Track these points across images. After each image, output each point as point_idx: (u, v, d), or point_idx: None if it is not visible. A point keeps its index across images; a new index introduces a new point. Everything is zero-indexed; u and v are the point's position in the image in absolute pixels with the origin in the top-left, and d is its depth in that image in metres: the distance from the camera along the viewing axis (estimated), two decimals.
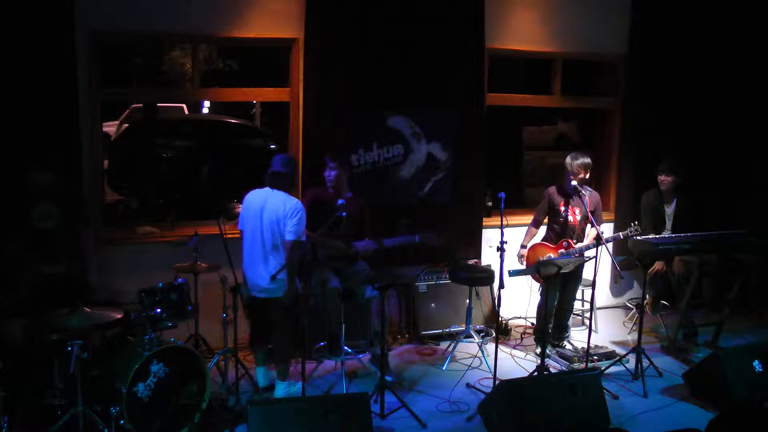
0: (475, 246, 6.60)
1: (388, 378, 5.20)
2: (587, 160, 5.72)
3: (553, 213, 5.86)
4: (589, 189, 5.80)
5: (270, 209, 4.79)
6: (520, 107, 8.99)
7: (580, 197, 5.66)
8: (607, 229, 6.47)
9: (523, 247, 5.97)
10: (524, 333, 6.49)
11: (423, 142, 6.35)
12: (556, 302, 5.89)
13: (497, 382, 5.02)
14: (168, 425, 4.28)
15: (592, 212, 5.66)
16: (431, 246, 5.61)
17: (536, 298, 6.17)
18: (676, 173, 6.21)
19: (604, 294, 7.34)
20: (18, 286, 4.67)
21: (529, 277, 6.06)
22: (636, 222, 5.75)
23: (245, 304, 4.98)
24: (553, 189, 5.92)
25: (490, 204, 6.76)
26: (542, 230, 6.05)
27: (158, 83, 17.19)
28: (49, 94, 5.15)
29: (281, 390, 5.05)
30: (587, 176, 5.72)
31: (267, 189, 4.88)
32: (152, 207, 10.25)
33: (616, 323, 6.97)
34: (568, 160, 5.75)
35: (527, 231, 6.02)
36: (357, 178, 5.94)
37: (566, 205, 5.79)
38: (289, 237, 4.73)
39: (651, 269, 6.11)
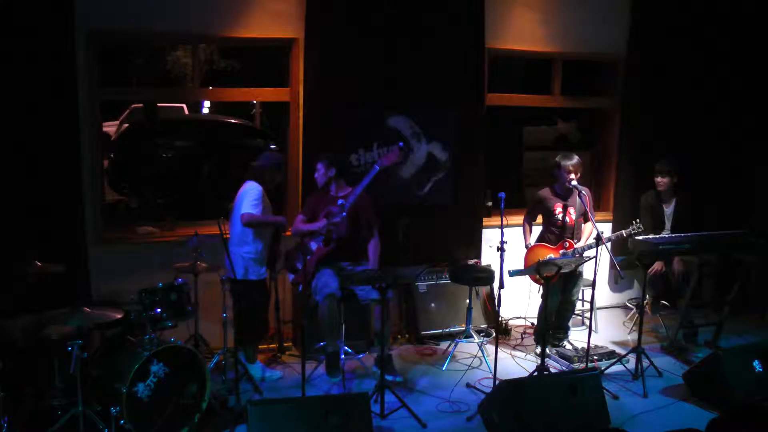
0: (475, 246, 6.60)
1: (393, 378, 5.26)
2: (578, 158, 5.72)
3: (549, 216, 5.82)
4: (583, 186, 5.78)
5: (240, 196, 5.18)
6: (520, 107, 8.99)
7: (579, 197, 5.65)
8: (605, 229, 6.46)
9: (527, 246, 5.96)
10: (524, 333, 6.50)
11: (423, 142, 6.34)
12: (557, 302, 5.88)
13: (497, 382, 5.02)
14: (168, 425, 4.28)
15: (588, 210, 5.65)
16: (396, 162, 5.61)
17: (536, 298, 6.16)
18: (672, 174, 6.22)
19: (604, 294, 7.34)
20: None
21: (529, 279, 6.07)
22: (638, 220, 5.74)
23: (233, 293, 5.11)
24: (546, 192, 5.85)
25: (490, 204, 6.76)
26: (535, 230, 6.04)
27: (158, 83, 17.17)
28: (49, 94, 5.14)
29: (258, 372, 5.31)
30: (579, 175, 5.71)
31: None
32: (152, 207, 10.25)
33: (616, 323, 6.97)
34: (562, 161, 5.68)
35: (527, 230, 6.00)
36: (357, 178, 5.93)
37: (563, 206, 5.78)
38: (242, 210, 5.06)
39: (651, 269, 6.11)
